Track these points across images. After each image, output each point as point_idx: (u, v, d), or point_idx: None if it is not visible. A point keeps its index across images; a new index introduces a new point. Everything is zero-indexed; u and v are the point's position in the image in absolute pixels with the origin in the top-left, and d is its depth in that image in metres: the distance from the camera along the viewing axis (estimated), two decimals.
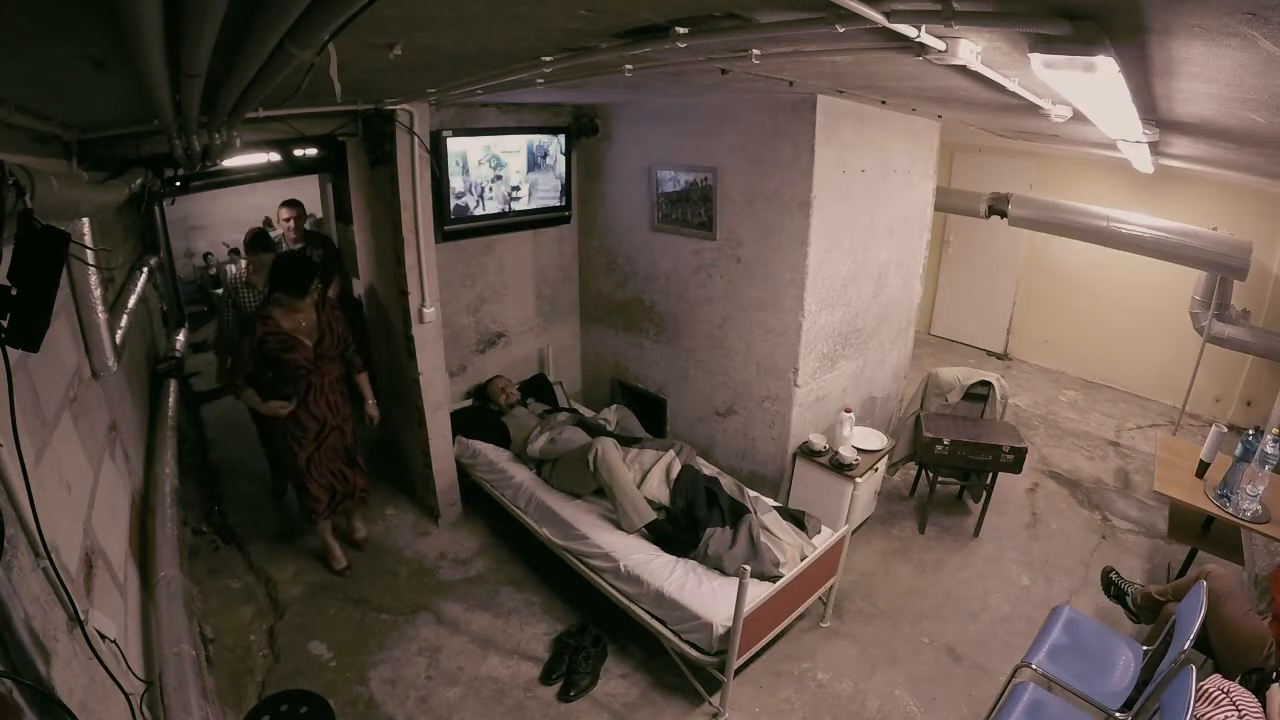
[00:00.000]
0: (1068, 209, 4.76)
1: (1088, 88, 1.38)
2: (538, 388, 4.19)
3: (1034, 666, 2.28)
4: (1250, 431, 2.86)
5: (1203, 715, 1.75)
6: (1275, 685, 1.80)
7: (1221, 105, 1.60)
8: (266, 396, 2.92)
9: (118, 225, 3.25)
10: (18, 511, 1.14)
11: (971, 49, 1.30)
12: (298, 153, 3.44)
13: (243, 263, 3.71)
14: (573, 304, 4.58)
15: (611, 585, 2.82)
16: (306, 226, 4.11)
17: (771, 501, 3.22)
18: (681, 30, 1.30)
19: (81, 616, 1.33)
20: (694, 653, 2.53)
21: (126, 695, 1.42)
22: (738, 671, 2.56)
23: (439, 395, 3.55)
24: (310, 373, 2.97)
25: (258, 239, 3.61)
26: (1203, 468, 3.03)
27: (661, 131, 3.65)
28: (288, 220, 3.85)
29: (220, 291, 7.61)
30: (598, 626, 2.92)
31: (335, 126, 3.11)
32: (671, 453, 3.25)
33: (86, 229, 2.06)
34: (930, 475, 3.82)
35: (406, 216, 3.15)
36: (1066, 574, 3.45)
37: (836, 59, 1.65)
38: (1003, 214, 5.00)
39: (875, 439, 3.54)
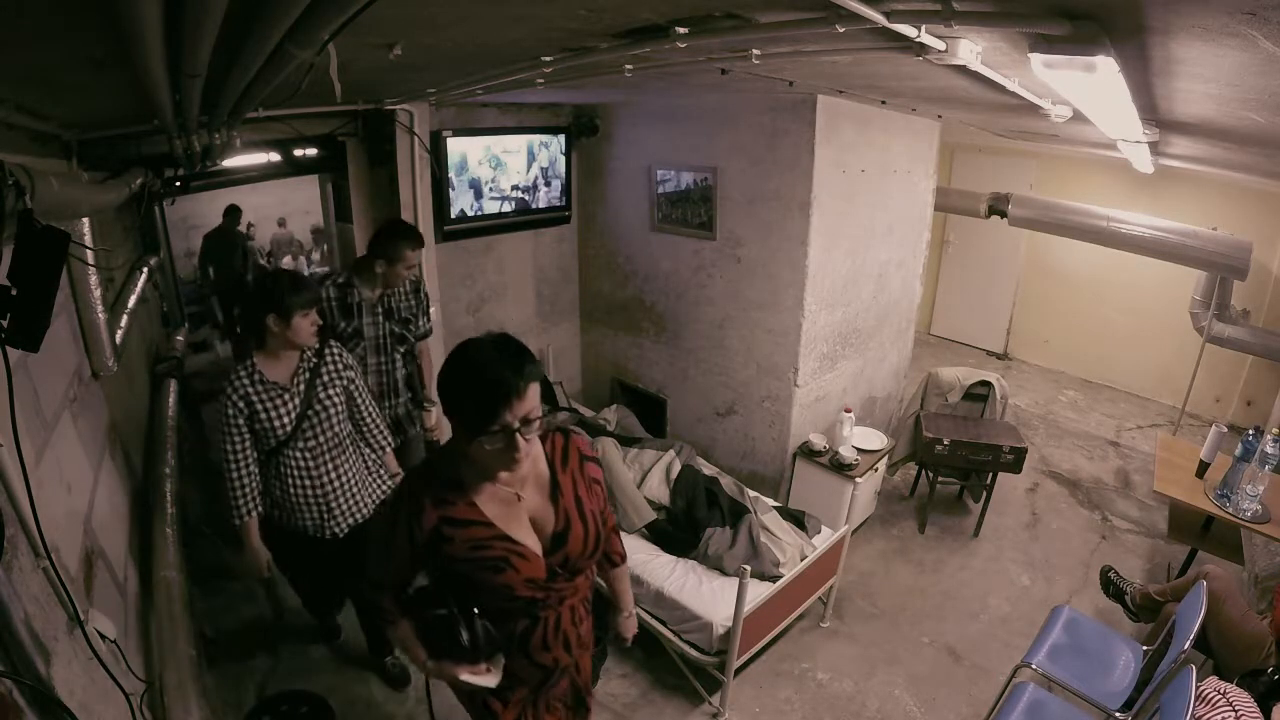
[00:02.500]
0: (1068, 209, 4.76)
1: (1088, 88, 1.38)
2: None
3: (1034, 666, 2.28)
4: (1250, 431, 2.86)
5: (1200, 716, 1.75)
6: None
7: (1221, 105, 1.60)
8: (441, 652, 1.35)
9: (118, 225, 3.25)
10: (18, 511, 1.14)
11: (971, 49, 1.30)
12: (298, 153, 3.43)
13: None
14: (573, 304, 4.58)
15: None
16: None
17: (771, 501, 3.22)
18: (681, 30, 1.31)
19: (81, 616, 1.33)
20: (694, 653, 2.53)
21: (126, 695, 1.42)
22: (738, 671, 2.56)
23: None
24: (541, 602, 1.39)
25: None
26: (1203, 468, 3.03)
27: (661, 131, 3.65)
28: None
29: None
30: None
31: (335, 126, 3.11)
32: (671, 453, 3.25)
33: (86, 229, 2.06)
34: (930, 475, 3.82)
35: (406, 216, 3.15)
36: (1066, 574, 3.45)
37: (836, 59, 1.65)
38: (1003, 214, 5.00)
39: (875, 439, 3.54)
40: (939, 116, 3.61)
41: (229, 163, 2.83)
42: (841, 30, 1.11)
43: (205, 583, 3.17)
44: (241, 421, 2.04)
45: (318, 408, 2.14)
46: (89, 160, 2.27)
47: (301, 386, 2.12)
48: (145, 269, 3.44)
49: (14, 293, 0.96)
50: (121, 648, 1.52)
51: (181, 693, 1.61)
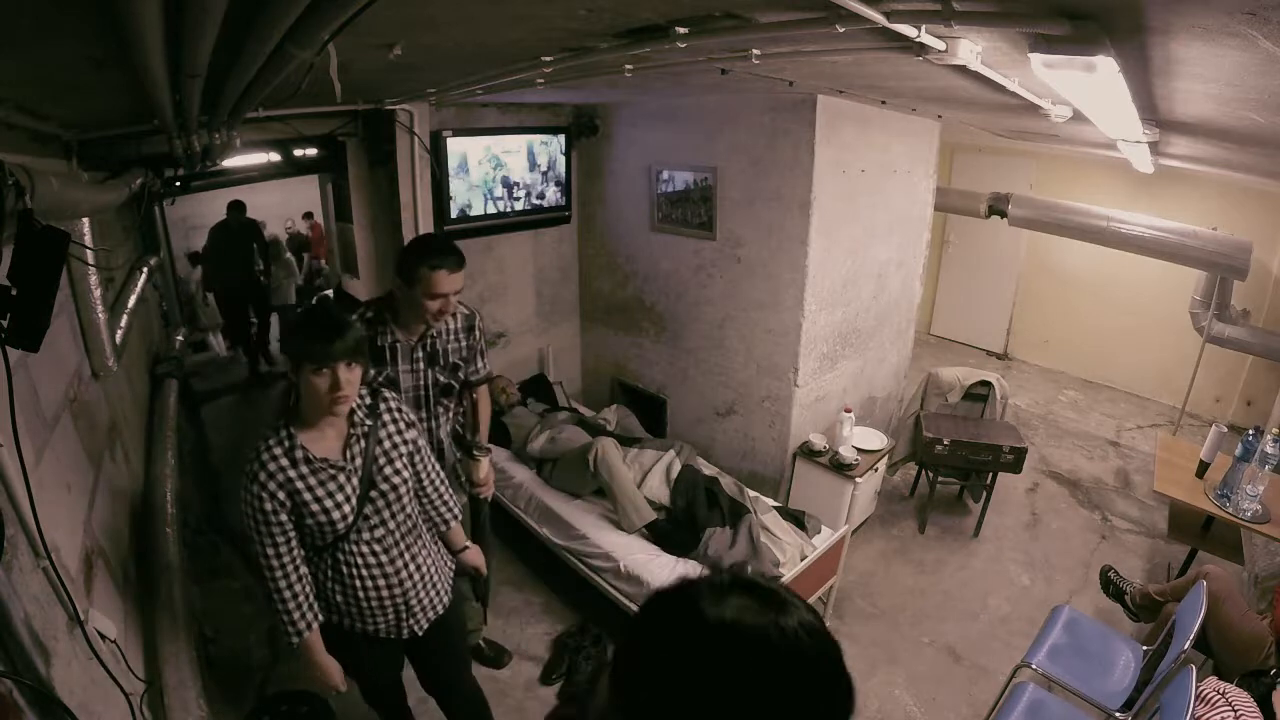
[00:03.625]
0: (1068, 209, 4.76)
1: (1088, 88, 1.38)
2: (538, 388, 4.19)
3: (1034, 666, 2.28)
4: (1250, 431, 2.86)
5: (1199, 716, 1.75)
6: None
7: (1221, 105, 1.60)
8: None
9: (118, 225, 3.24)
10: (18, 511, 1.14)
11: (971, 49, 1.30)
12: (298, 153, 3.43)
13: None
14: (573, 304, 4.58)
15: (611, 585, 2.82)
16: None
17: (771, 501, 3.22)
18: (681, 30, 1.31)
19: (81, 616, 1.33)
20: None
21: (126, 695, 1.42)
22: None
23: None
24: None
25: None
26: (1203, 468, 3.03)
27: (661, 131, 3.65)
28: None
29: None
30: (598, 626, 2.91)
31: (335, 126, 3.11)
32: (671, 453, 3.25)
33: (86, 229, 2.06)
34: (930, 475, 3.82)
35: (406, 216, 3.15)
36: (1066, 574, 3.45)
37: (836, 59, 1.65)
38: (1003, 214, 5.00)
39: (875, 439, 3.54)
40: (939, 116, 3.61)
41: (229, 163, 2.82)
42: (841, 30, 1.11)
43: (205, 583, 3.17)
44: (284, 517, 1.51)
45: (384, 487, 1.64)
46: (89, 160, 2.27)
47: (358, 461, 1.60)
48: (145, 269, 3.44)
49: (14, 293, 0.96)
50: (121, 648, 1.52)
51: (181, 693, 1.62)
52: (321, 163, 3.56)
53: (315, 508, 1.55)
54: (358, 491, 1.61)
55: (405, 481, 1.70)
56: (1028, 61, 1.15)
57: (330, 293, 5.99)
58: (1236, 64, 1.13)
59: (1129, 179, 4.91)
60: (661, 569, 2.76)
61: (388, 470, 1.66)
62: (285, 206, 7.98)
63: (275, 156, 3.51)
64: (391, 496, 1.66)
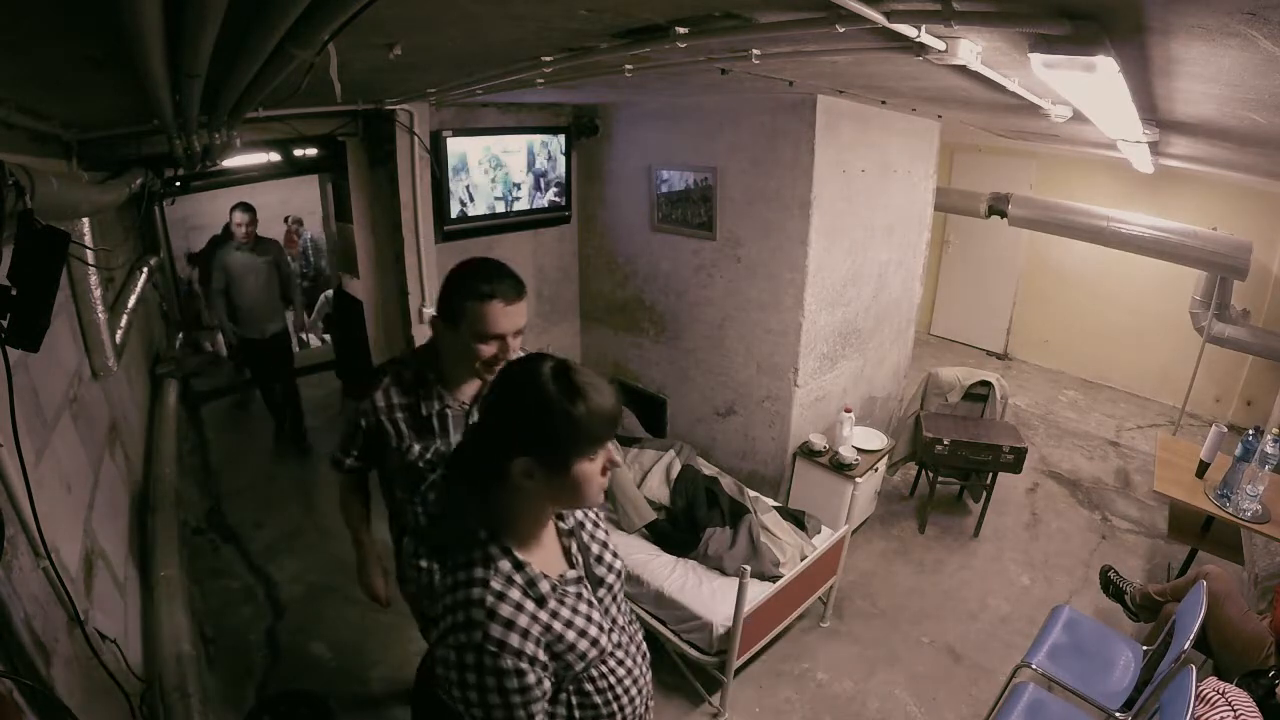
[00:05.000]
0: (1068, 209, 4.76)
1: (1088, 88, 1.38)
2: None
3: (1034, 666, 2.28)
4: (1250, 431, 2.86)
5: (1199, 716, 1.75)
6: None
7: (1221, 105, 1.60)
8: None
9: (118, 225, 3.25)
10: (18, 511, 1.14)
11: (971, 49, 1.30)
12: (298, 153, 3.44)
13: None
14: (573, 304, 4.57)
15: None
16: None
17: (771, 501, 3.22)
18: (681, 30, 1.31)
19: (81, 616, 1.33)
20: (694, 653, 2.53)
21: (126, 695, 1.42)
22: (738, 671, 2.56)
23: None
24: None
25: None
26: (1203, 468, 3.03)
27: (661, 131, 3.65)
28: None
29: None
30: None
31: (335, 126, 3.11)
32: (671, 453, 3.25)
33: (86, 229, 2.06)
34: (930, 475, 3.82)
35: (406, 216, 3.15)
36: (1066, 574, 3.45)
37: (836, 59, 1.65)
38: (1003, 214, 5.00)
39: (875, 439, 3.54)
40: (939, 116, 3.60)
41: (229, 163, 2.83)
42: (841, 30, 1.11)
43: (205, 583, 3.17)
44: (547, 685, 1.04)
45: (610, 578, 1.22)
46: (89, 160, 2.27)
47: (578, 559, 1.19)
48: (145, 269, 3.44)
49: (14, 293, 0.96)
50: (121, 648, 1.52)
51: (181, 693, 1.62)
52: (321, 163, 3.56)
53: (582, 646, 1.08)
54: (599, 608, 1.16)
55: (615, 556, 1.26)
56: (1028, 61, 1.15)
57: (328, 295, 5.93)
58: (1236, 64, 1.13)
59: (1129, 179, 4.91)
60: (662, 569, 2.76)
61: (600, 553, 1.23)
62: (286, 206, 7.90)
63: (275, 156, 3.51)
64: (614, 583, 1.22)
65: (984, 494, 3.70)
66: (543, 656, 1.01)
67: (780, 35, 1.36)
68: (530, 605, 1.02)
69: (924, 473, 3.93)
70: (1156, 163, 3.50)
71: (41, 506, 1.16)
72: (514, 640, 0.97)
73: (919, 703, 2.66)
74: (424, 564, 1.54)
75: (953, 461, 3.59)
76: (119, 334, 2.39)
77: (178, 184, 3.36)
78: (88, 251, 2.03)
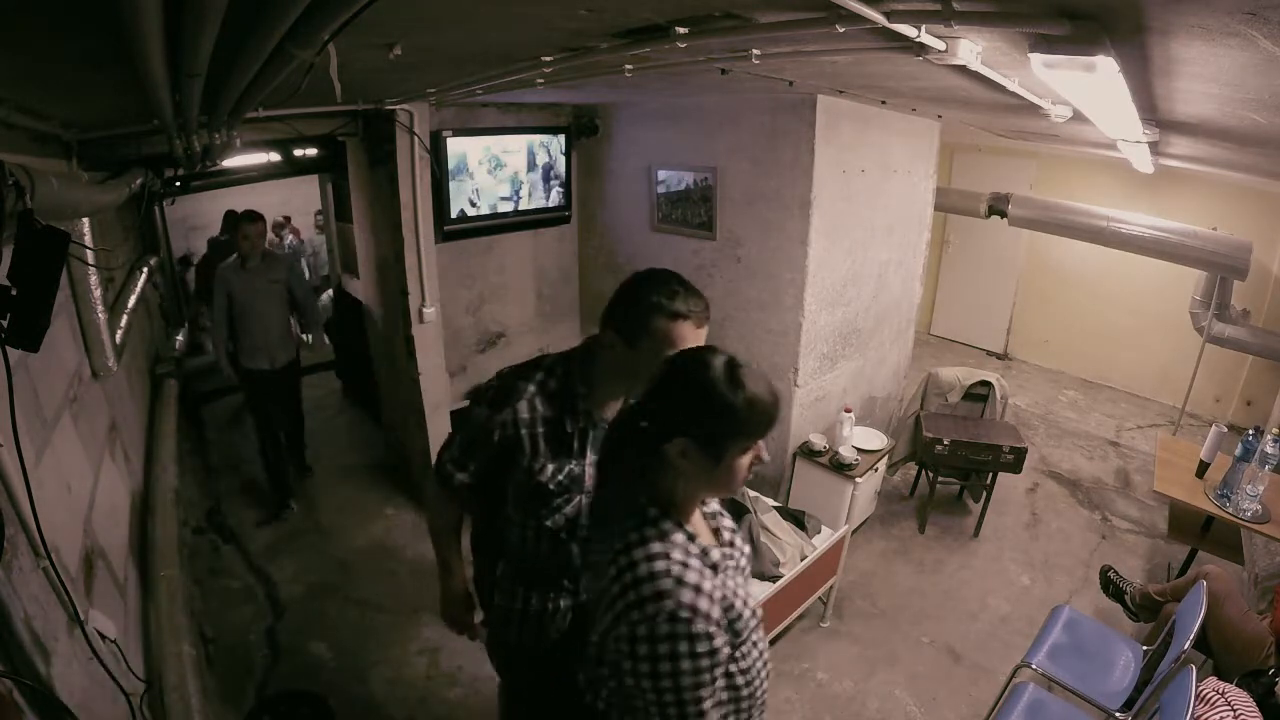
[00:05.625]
0: (1068, 209, 4.76)
1: (1088, 88, 1.38)
2: None
3: (1034, 666, 2.28)
4: (1250, 431, 2.86)
5: (1199, 716, 1.75)
6: None
7: (1221, 105, 1.60)
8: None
9: (118, 225, 3.25)
10: (18, 511, 1.14)
11: (971, 49, 1.30)
12: (298, 153, 3.44)
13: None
14: (573, 304, 4.58)
15: None
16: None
17: (771, 501, 3.22)
18: (681, 30, 1.30)
19: (81, 616, 1.33)
20: None
21: (126, 695, 1.42)
22: None
23: (439, 395, 3.55)
24: None
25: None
26: (1203, 468, 3.03)
27: (661, 131, 3.65)
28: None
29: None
30: None
31: (335, 126, 3.11)
32: None
33: (86, 229, 2.06)
34: (930, 475, 3.82)
35: (406, 216, 3.15)
36: (1066, 574, 3.45)
37: (836, 59, 1.65)
38: (1003, 214, 5.00)
39: (875, 439, 3.54)
40: (939, 116, 3.61)
41: (229, 163, 2.83)
42: (841, 30, 1.10)
43: (205, 583, 3.17)
44: (725, 646, 1.03)
45: (748, 576, 1.25)
46: (89, 160, 2.27)
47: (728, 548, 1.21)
48: (145, 269, 3.44)
49: (14, 293, 0.96)
50: (121, 648, 1.52)
51: (181, 693, 1.62)
52: (321, 163, 3.57)
53: (745, 614, 1.11)
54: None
55: (743, 543, 1.26)
56: (1028, 61, 1.15)
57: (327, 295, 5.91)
58: (1236, 64, 1.13)
59: (1129, 179, 4.91)
60: None
61: (731, 538, 1.22)
62: (286, 206, 7.86)
63: (275, 156, 3.51)
64: (746, 567, 1.24)
65: (984, 494, 3.70)
66: (724, 623, 1.03)
67: (780, 35, 1.36)
68: (708, 573, 1.04)
69: (924, 473, 3.93)
70: (1156, 163, 3.50)
71: (41, 506, 1.16)
72: (703, 605, 0.99)
73: (919, 703, 2.67)
74: (522, 591, 1.54)
75: (953, 461, 3.58)
76: (119, 334, 2.39)
77: (178, 184, 3.37)
78: (88, 251, 2.03)
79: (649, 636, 0.97)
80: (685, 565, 1.01)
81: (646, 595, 0.99)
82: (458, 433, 1.51)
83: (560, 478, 1.43)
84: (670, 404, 1.04)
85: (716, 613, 1.01)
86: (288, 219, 7.86)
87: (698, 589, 1.00)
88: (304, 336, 4.15)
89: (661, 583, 0.99)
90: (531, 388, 1.41)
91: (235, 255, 3.56)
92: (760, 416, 1.02)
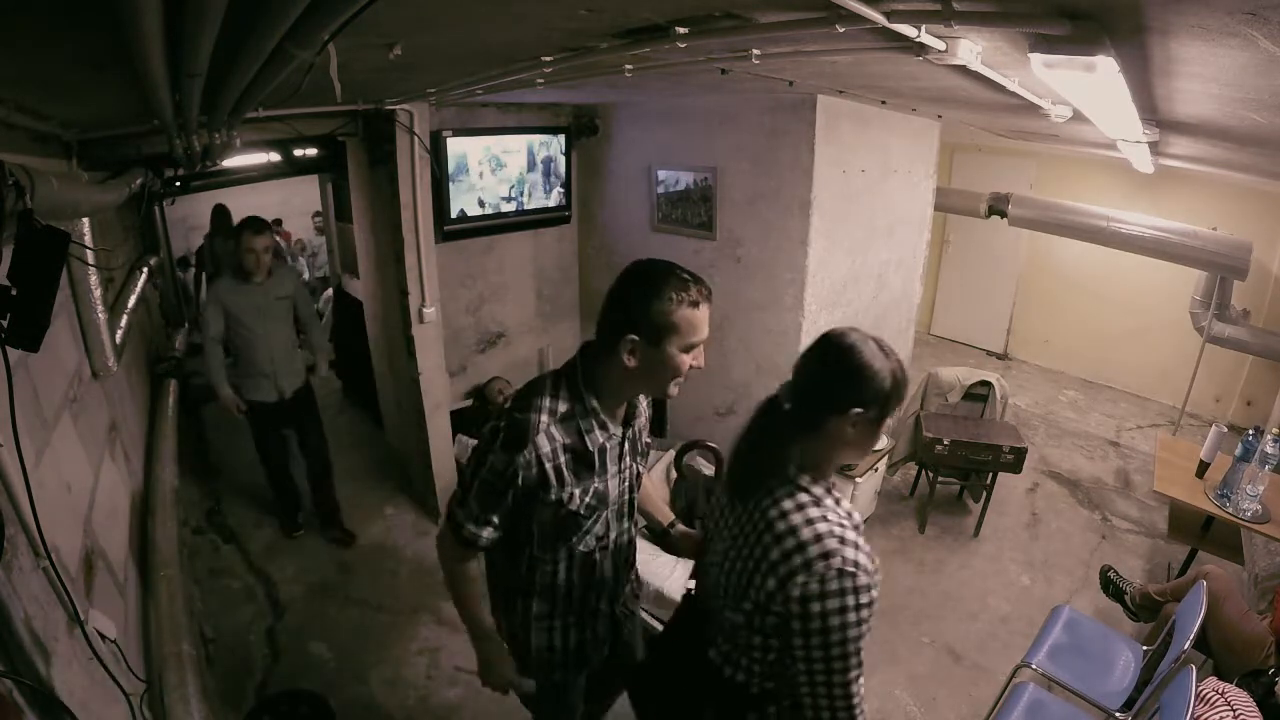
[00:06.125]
0: (1068, 209, 4.76)
1: (1088, 88, 1.38)
2: None
3: (1034, 666, 2.28)
4: (1250, 431, 2.86)
5: (1198, 716, 1.75)
6: None
7: (1221, 105, 1.60)
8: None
9: (118, 225, 3.25)
10: (18, 511, 1.14)
11: (971, 49, 1.30)
12: (298, 153, 3.44)
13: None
14: (573, 304, 4.58)
15: None
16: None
17: None
18: (681, 30, 1.30)
19: (81, 616, 1.33)
20: None
21: (126, 695, 1.42)
22: None
23: (439, 395, 3.55)
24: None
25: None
26: (1203, 468, 3.03)
27: (661, 131, 3.65)
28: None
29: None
30: None
31: (335, 126, 3.11)
32: (672, 452, 3.25)
33: (86, 229, 2.06)
34: (930, 475, 3.82)
35: (406, 216, 3.15)
36: (1066, 574, 3.45)
37: (836, 59, 1.65)
38: (1003, 214, 5.00)
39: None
40: (939, 116, 3.61)
41: (229, 163, 2.82)
42: (841, 30, 1.10)
43: (205, 583, 3.17)
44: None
45: None
46: (89, 160, 2.27)
47: None
48: (145, 269, 3.44)
49: (14, 293, 0.96)
50: (121, 648, 1.52)
51: (181, 693, 1.62)
52: (321, 163, 3.57)
53: (879, 577, 1.26)
54: None
55: None
56: (1028, 61, 1.15)
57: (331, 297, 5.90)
58: (1236, 64, 1.13)
59: (1129, 179, 4.91)
60: (661, 569, 2.76)
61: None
62: (285, 207, 7.82)
63: (275, 156, 3.51)
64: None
65: (984, 494, 3.70)
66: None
67: (780, 35, 1.36)
68: (857, 531, 1.13)
69: (924, 473, 3.93)
70: (1156, 163, 3.50)
71: (41, 506, 1.16)
72: (864, 560, 1.08)
73: (919, 703, 2.66)
74: (560, 625, 1.53)
75: (953, 461, 3.58)
76: (119, 334, 2.39)
77: (178, 184, 3.36)
78: (88, 251, 2.03)
79: (820, 594, 1.05)
80: (843, 526, 1.10)
81: (814, 556, 1.07)
82: (471, 487, 1.35)
83: (588, 499, 1.39)
84: (835, 382, 1.16)
85: (871, 567, 1.09)
86: (278, 222, 7.62)
87: (857, 546, 1.09)
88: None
89: (828, 543, 1.07)
90: (543, 418, 1.32)
91: (230, 268, 3.15)
92: (905, 384, 1.18)
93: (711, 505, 1.39)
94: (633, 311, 1.29)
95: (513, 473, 1.30)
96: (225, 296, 3.08)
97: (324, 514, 3.56)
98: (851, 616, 1.06)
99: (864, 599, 1.06)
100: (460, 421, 3.77)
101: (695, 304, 1.33)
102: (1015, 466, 3.51)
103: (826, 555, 1.06)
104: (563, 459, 1.33)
